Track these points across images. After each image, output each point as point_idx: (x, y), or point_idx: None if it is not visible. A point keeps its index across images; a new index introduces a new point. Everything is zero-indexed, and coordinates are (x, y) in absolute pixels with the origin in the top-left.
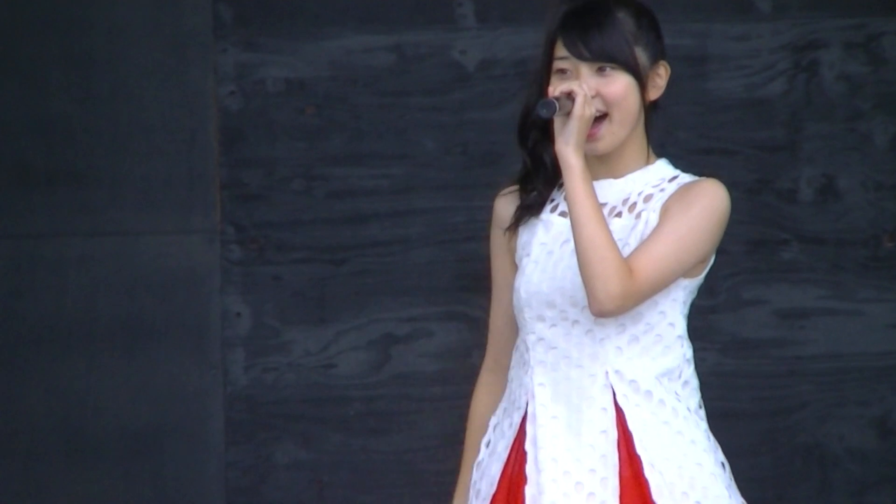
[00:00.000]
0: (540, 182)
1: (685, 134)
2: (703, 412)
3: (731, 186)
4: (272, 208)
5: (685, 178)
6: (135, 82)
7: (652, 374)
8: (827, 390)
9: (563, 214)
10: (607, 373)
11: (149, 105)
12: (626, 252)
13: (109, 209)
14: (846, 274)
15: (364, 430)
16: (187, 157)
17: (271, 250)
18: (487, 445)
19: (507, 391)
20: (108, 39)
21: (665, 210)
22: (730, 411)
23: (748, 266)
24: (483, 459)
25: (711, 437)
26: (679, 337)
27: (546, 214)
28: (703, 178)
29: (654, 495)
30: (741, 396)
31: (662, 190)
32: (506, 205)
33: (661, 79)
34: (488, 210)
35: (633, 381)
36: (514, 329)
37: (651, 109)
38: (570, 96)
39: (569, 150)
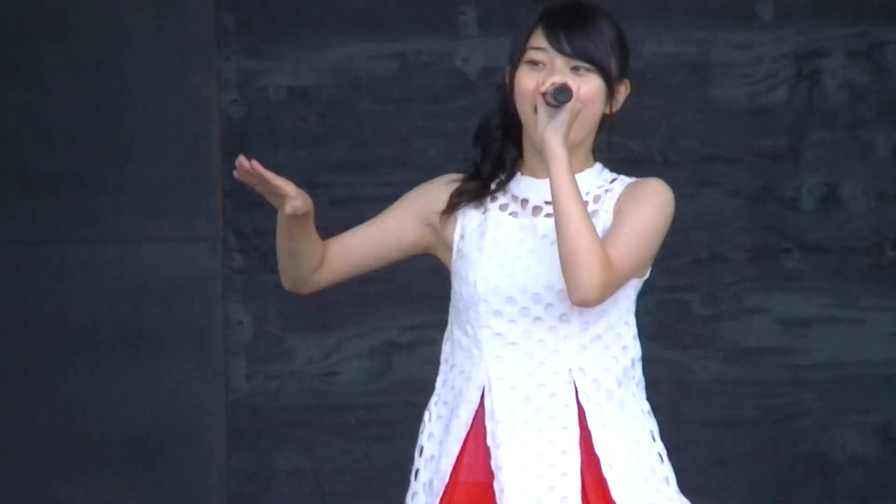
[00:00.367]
0: (486, 176)
1: (688, 141)
2: (651, 414)
3: (734, 194)
4: (274, 216)
5: (626, 178)
6: (138, 89)
7: (613, 373)
8: (829, 398)
9: (513, 215)
10: (570, 369)
11: (152, 112)
12: None
13: (112, 216)
14: (848, 282)
15: (366, 437)
16: (190, 165)
17: (273, 258)
18: (430, 438)
19: (447, 383)
20: (112, 46)
21: (619, 209)
22: (732, 419)
23: (750, 274)
24: (426, 449)
25: (658, 439)
26: (634, 336)
27: (495, 212)
28: (647, 178)
29: (614, 494)
30: (744, 404)
31: (609, 191)
32: (445, 187)
33: (621, 95)
34: None
35: (595, 379)
36: (361, 249)
37: (604, 120)
38: (564, 88)
39: (557, 140)
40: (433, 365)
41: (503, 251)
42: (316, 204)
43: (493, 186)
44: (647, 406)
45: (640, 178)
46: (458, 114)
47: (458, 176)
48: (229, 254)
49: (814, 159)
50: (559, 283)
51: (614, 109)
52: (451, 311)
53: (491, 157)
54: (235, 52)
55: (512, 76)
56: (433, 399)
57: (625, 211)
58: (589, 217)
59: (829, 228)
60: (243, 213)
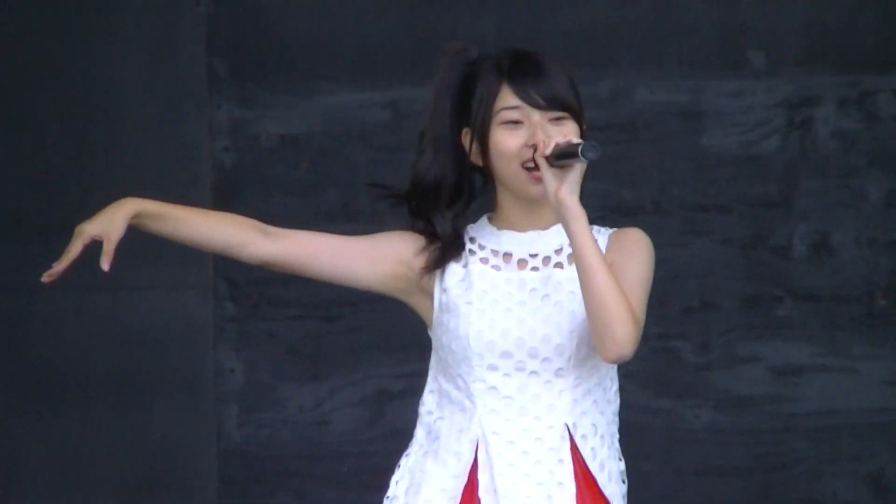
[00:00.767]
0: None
1: (679, 190)
2: (624, 475)
3: (726, 242)
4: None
5: (603, 229)
6: (130, 137)
7: (598, 430)
8: (821, 447)
9: (495, 268)
10: (566, 424)
11: (144, 159)
12: (574, 308)
13: None
14: (840, 330)
15: (358, 486)
16: None
17: (265, 306)
18: (398, 483)
19: (431, 433)
20: (104, 94)
21: (610, 261)
22: (725, 467)
23: (742, 322)
24: (397, 496)
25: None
26: (616, 391)
27: (476, 265)
28: (627, 228)
29: None
30: (736, 453)
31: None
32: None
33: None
34: None
35: (584, 435)
36: (320, 248)
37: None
38: (571, 146)
39: (574, 200)
40: None
41: (493, 304)
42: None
43: (468, 242)
44: (622, 466)
45: (620, 229)
46: None
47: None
48: (220, 302)
49: (806, 207)
50: (557, 337)
51: None
52: (435, 362)
53: (448, 216)
54: (227, 100)
55: (482, 138)
56: (412, 447)
57: (621, 264)
58: (613, 272)
59: (820, 277)
60: (234, 261)
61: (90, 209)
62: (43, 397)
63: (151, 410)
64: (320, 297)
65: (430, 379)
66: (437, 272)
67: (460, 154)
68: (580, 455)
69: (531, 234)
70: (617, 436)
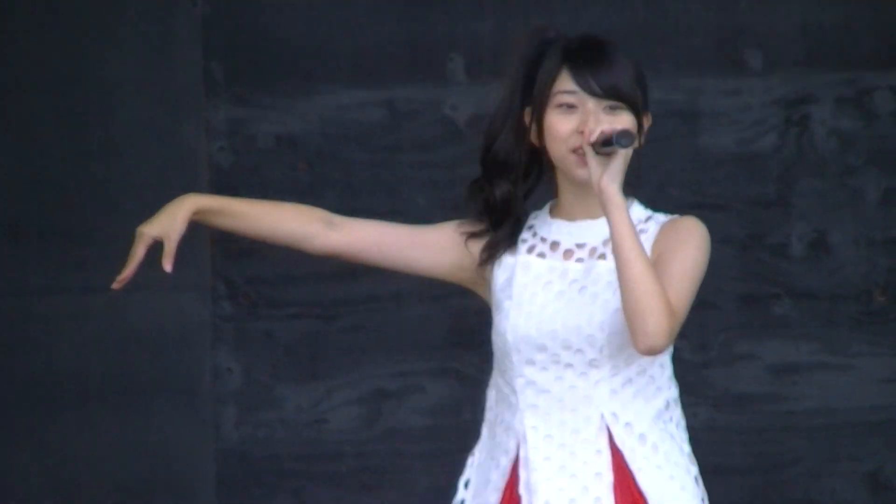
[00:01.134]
0: (506, 219)
1: (677, 189)
2: (693, 458)
3: (724, 242)
4: (264, 264)
5: (660, 216)
6: (127, 139)
7: (646, 417)
8: (819, 445)
9: (541, 255)
10: (602, 415)
11: (141, 162)
12: (608, 298)
13: (101, 266)
14: (838, 329)
15: (356, 485)
16: None
17: (263, 306)
18: (467, 486)
19: (489, 433)
20: (101, 96)
21: (660, 250)
22: (722, 467)
23: (740, 321)
24: (465, 500)
25: (700, 484)
26: (669, 377)
27: (522, 255)
28: (681, 215)
29: None
30: (734, 451)
31: (643, 231)
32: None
33: (644, 128)
34: None
35: (628, 423)
36: (386, 237)
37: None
38: (626, 133)
39: (615, 188)
40: (422, 413)
41: (531, 298)
42: (304, 252)
43: (523, 231)
44: (687, 448)
45: (674, 216)
46: (447, 162)
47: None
48: (218, 302)
49: (803, 206)
50: (588, 328)
51: (642, 143)
52: (495, 360)
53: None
54: (224, 102)
55: (539, 119)
56: (478, 445)
57: (669, 252)
58: (651, 264)
59: (818, 275)
60: (232, 261)
61: (86, 212)
62: (40, 399)
63: (149, 411)
64: (318, 297)
65: (492, 375)
66: (494, 269)
67: (522, 132)
68: (618, 446)
69: (581, 224)
70: (682, 422)
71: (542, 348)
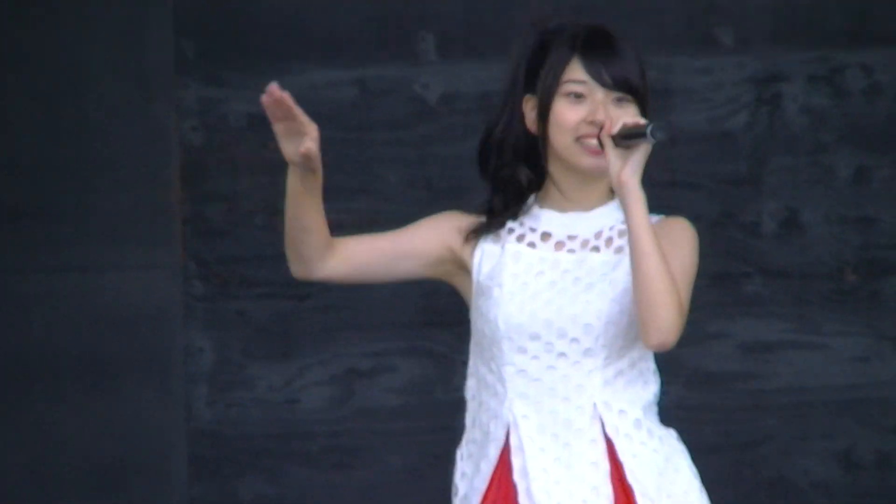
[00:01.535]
0: (502, 206)
1: (648, 167)
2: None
3: (695, 220)
4: (235, 243)
5: (652, 216)
6: (98, 118)
7: (638, 405)
8: (791, 424)
9: (531, 245)
10: (595, 404)
11: (112, 141)
12: (616, 289)
13: (73, 245)
14: (810, 307)
15: (329, 464)
16: (150, 193)
17: (234, 285)
18: (463, 477)
19: (474, 423)
20: (71, 75)
21: None
22: (694, 445)
23: (712, 300)
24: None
25: (694, 468)
26: (654, 372)
27: (512, 244)
28: (672, 216)
29: None
30: (705, 430)
31: None
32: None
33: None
34: None
35: (622, 411)
36: (373, 255)
37: None
38: (638, 126)
39: (636, 182)
40: (395, 392)
41: (523, 287)
42: (275, 231)
43: (509, 220)
44: (675, 433)
45: (666, 216)
46: (418, 140)
47: (464, 214)
48: (190, 281)
49: (775, 184)
50: (585, 316)
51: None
52: (473, 346)
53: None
54: (195, 80)
55: (544, 107)
56: (465, 437)
57: (667, 254)
58: (666, 260)
59: (790, 253)
60: (204, 240)
61: (58, 191)
62: (12, 378)
63: (121, 390)
64: (290, 277)
65: (470, 363)
66: (476, 256)
67: (520, 120)
68: (608, 436)
69: (573, 216)
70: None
71: (535, 337)
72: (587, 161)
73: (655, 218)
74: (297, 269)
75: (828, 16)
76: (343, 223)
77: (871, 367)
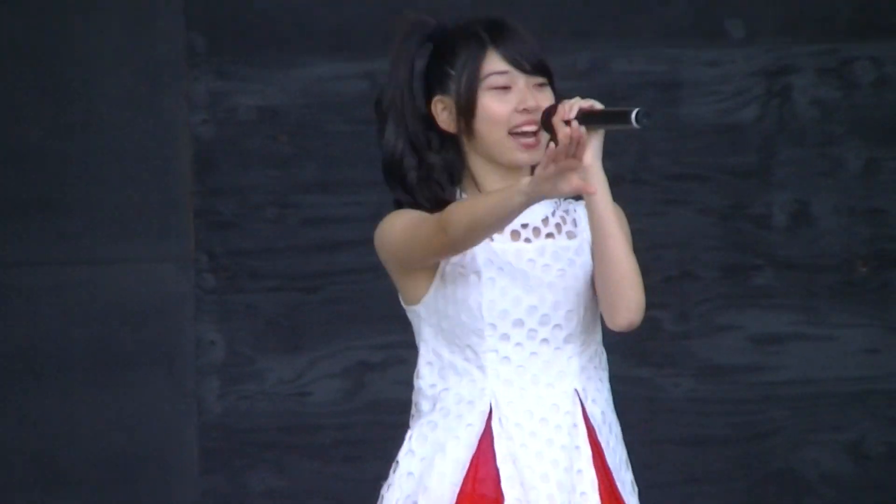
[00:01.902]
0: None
1: (658, 160)
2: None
3: (705, 212)
4: (245, 236)
5: (577, 203)
6: (108, 111)
7: (602, 394)
8: (801, 416)
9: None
10: (576, 390)
11: (122, 134)
12: (576, 273)
13: (82, 238)
14: (819, 299)
15: (338, 457)
16: (160, 186)
17: (244, 278)
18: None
19: (437, 405)
20: (81, 68)
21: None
22: (703, 437)
23: (721, 292)
24: (401, 465)
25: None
26: (606, 359)
27: None
28: None
29: None
30: (715, 422)
31: (576, 211)
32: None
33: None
34: None
35: (593, 399)
36: None
37: None
38: (593, 108)
39: (599, 164)
40: (405, 384)
41: (500, 272)
42: (286, 224)
43: None
44: (619, 430)
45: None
46: None
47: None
48: (200, 274)
49: (784, 176)
50: (566, 303)
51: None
52: (432, 334)
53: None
54: (205, 73)
55: (467, 105)
56: (417, 421)
57: None
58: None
59: (799, 245)
60: (214, 233)
61: (68, 184)
62: (22, 371)
63: (131, 383)
64: (300, 269)
65: (424, 351)
66: None
67: (425, 124)
68: (590, 420)
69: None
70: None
71: (518, 323)
72: (521, 156)
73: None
74: (456, 250)
75: (837, 8)
76: (352, 216)
77: (881, 359)
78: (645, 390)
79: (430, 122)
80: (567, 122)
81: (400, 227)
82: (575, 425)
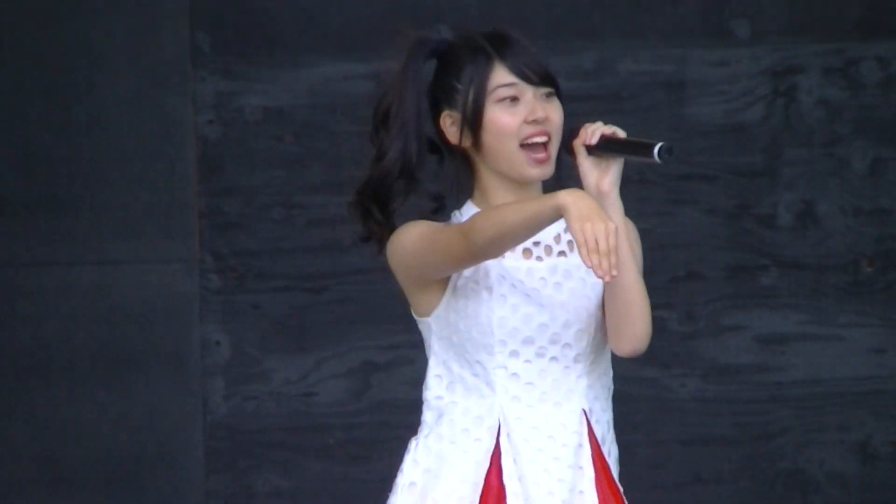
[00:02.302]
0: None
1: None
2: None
3: (711, 212)
4: (251, 237)
5: None
6: (113, 111)
7: (605, 415)
8: (807, 416)
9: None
10: (583, 410)
11: (127, 134)
12: (587, 293)
13: (89, 238)
14: (826, 299)
15: (344, 457)
16: (166, 186)
17: (251, 279)
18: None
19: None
20: (87, 69)
21: None
22: (711, 437)
23: (728, 292)
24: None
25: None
26: (612, 379)
27: None
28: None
29: None
30: (722, 422)
31: None
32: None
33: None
34: None
35: (598, 420)
36: None
37: None
38: (615, 136)
39: (617, 193)
40: (411, 385)
41: (511, 290)
42: (293, 224)
43: None
44: (616, 453)
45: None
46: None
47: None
48: (206, 275)
49: (790, 176)
50: (577, 323)
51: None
52: (442, 347)
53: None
54: (211, 74)
55: (475, 118)
56: (422, 432)
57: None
58: (639, 270)
59: (806, 245)
60: (220, 234)
61: (74, 185)
62: (28, 372)
63: (137, 384)
64: (306, 270)
65: (433, 363)
66: None
67: (429, 139)
68: (596, 439)
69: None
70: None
71: (528, 341)
72: (532, 171)
73: None
74: (476, 259)
75: (843, 8)
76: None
77: (887, 358)
78: (651, 390)
79: (432, 142)
80: (588, 147)
81: (416, 236)
82: (580, 445)
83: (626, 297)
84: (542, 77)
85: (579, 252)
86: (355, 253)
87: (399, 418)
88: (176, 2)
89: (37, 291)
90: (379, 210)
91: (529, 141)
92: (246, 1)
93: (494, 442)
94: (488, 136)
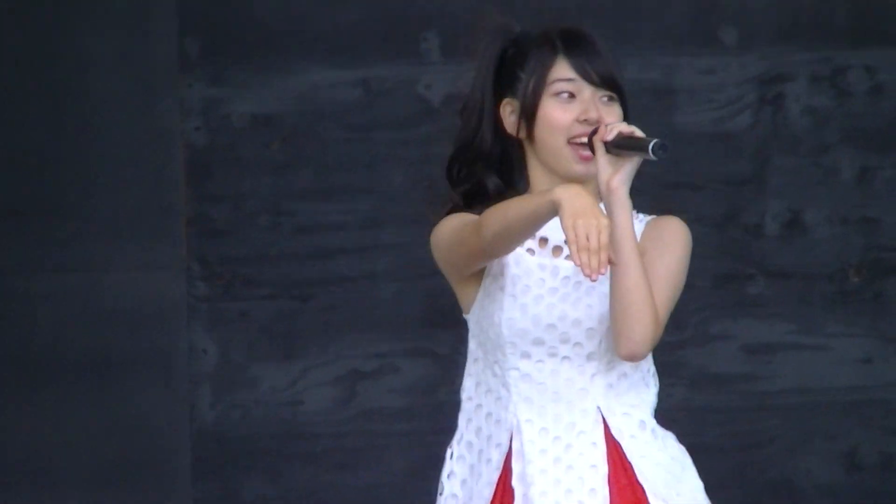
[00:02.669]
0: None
1: (651, 167)
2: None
3: (698, 221)
4: (239, 244)
5: (643, 215)
6: (101, 117)
7: (641, 407)
8: (795, 425)
9: (529, 251)
10: (599, 407)
11: (116, 140)
12: (598, 292)
13: (76, 244)
14: (813, 308)
15: (331, 465)
16: (154, 193)
17: (238, 286)
18: (449, 478)
19: (469, 425)
20: (75, 74)
21: (643, 250)
22: (698, 446)
23: (715, 301)
24: (446, 488)
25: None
26: (654, 374)
27: None
28: (666, 215)
29: None
30: (709, 431)
31: None
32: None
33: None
34: None
35: (625, 413)
36: None
37: None
38: (638, 139)
39: (625, 191)
40: (397, 393)
41: (525, 290)
42: (280, 231)
43: None
44: (674, 436)
45: (660, 216)
46: (421, 141)
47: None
48: (193, 282)
49: (778, 185)
50: (587, 321)
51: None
52: (475, 347)
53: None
54: (199, 80)
55: (530, 109)
56: (455, 437)
57: (654, 256)
58: (645, 272)
59: (793, 254)
60: (207, 241)
61: (62, 190)
62: (15, 378)
63: (124, 391)
64: (293, 277)
65: (469, 363)
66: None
67: (496, 125)
68: (615, 438)
69: None
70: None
71: (538, 342)
72: (577, 167)
73: (647, 217)
74: (489, 254)
75: (831, 16)
76: (347, 223)
77: (875, 368)
78: None
79: (497, 124)
80: (605, 143)
81: (449, 229)
82: (594, 444)
83: (627, 299)
84: (603, 79)
85: (569, 249)
86: (343, 260)
87: (386, 426)
88: (164, 8)
89: (24, 296)
90: (465, 182)
91: (578, 140)
92: (234, 8)
93: (509, 445)
94: (540, 129)
